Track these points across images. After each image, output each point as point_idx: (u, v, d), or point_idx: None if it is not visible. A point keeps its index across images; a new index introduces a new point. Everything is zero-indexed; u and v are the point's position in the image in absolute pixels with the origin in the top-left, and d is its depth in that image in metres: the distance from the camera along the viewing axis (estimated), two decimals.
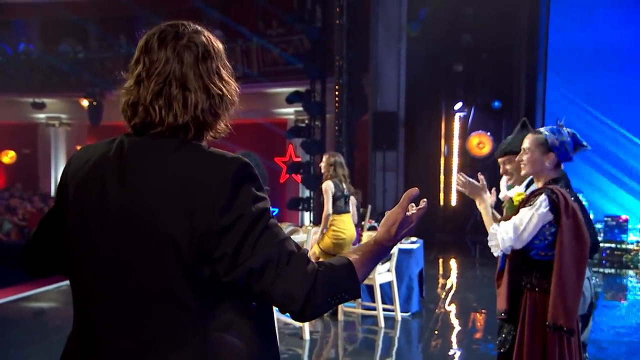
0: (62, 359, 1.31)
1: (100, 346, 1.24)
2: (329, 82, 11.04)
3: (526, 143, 2.75)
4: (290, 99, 11.47)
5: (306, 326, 4.96)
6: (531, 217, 2.57)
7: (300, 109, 11.89)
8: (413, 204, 1.34)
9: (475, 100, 11.38)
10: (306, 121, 11.66)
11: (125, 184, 1.22)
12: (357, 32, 10.45)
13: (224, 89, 1.28)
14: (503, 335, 2.79)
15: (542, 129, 2.78)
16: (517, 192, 2.86)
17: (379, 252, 1.32)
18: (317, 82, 11.30)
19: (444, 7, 9.97)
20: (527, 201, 2.66)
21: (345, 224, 5.63)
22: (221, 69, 1.30)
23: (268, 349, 1.30)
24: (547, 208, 2.56)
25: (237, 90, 1.34)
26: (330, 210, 5.52)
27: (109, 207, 1.22)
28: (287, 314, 1.21)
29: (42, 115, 16.37)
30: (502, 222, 2.70)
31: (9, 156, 16.59)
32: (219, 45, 1.32)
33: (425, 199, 1.35)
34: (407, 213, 1.32)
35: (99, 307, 1.24)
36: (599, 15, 9.11)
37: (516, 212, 2.66)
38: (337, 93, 10.53)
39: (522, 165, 2.77)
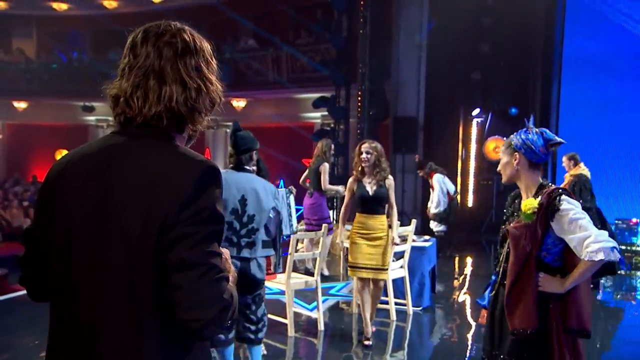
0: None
1: (64, 347, 1.20)
2: (353, 89, 11.00)
3: (500, 153, 2.65)
4: (317, 104, 11.47)
5: (321, 317, 4.91)
6: (587, 219, 2.36)
7: (326, 113, 11.88)
8: None
9: (492, 106, 11.15)
10: (331, 125, 11.63)
11: (102, 186, 1.19)
12: (379, 42, 10.38)
13: (201, 84, 1.24)
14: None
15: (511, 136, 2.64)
16: (528, 201, 2.48)
17: None
18: (342, 88, 11.28)
19: (463, 18, 9.80)
20: (548, 207, 2.37)
21: None
22: (202, 65, 1.26)
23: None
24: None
25: (220, 87, 1.30)
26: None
27: (87, 210, 1.19)
28: (187, 322, 1.12)
29: (92, 118, 16.74)
30: (589, 236, 2.31)
31: (63, 155, 17.03)
32: (203, 44, 1.28)
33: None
34: None
35: (69, 307, 1.19)
36: (612, 24, 8.81)
37: (540, 219, 2.38)
38: (360, 99, 10.48)
39: (502, 175, 2.63)
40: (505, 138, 2.78)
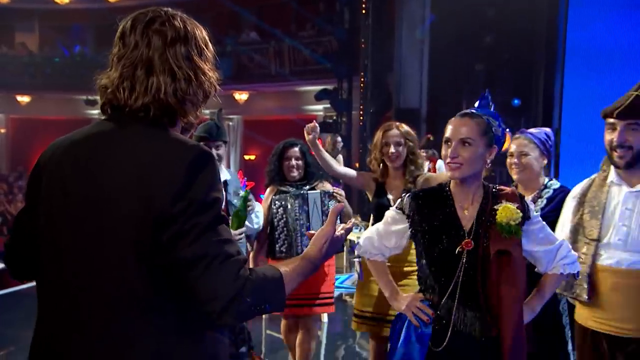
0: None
1: (55, 343, 1.15)
2: (355, 81, 10.98)
3: (464, 131, 1.88)
4: (319, 97, 11.45)
5: None
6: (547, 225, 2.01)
7: (329, 105, 11.87)
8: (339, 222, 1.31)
9: (495, 98, 11.10)
10: (334, 117, 11.61)
11: (89, 174, 1.15)
12: (382, 34, 10.33)
13: (191, 74, 1.18)
14: None
15: (478, 112, 1.99)
16: (507, 209, 1.86)
17: (308, 269, 1.24)
18: (344, 80, 11.30)
19: (466, 9, 9.75)
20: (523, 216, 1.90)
21: None
22: (193, 54, 1.20)
23: (219, 350, 1.21)
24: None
25: (214, 75, 1.23)
26: None
27: (73, 199, 1.15)
28: (206, 314, 1.10)
29: (94, 111, 16.69)
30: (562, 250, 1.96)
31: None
32: (196, 30, 1.22)
33: (352, 220, 1.33)
34: (336, 232, 1.28)
35: (57, 301, 1.15)
36: (617, 14, 8.74)
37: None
38: (362, 91, 10.45)
39: (456, 164, 1.88)
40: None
